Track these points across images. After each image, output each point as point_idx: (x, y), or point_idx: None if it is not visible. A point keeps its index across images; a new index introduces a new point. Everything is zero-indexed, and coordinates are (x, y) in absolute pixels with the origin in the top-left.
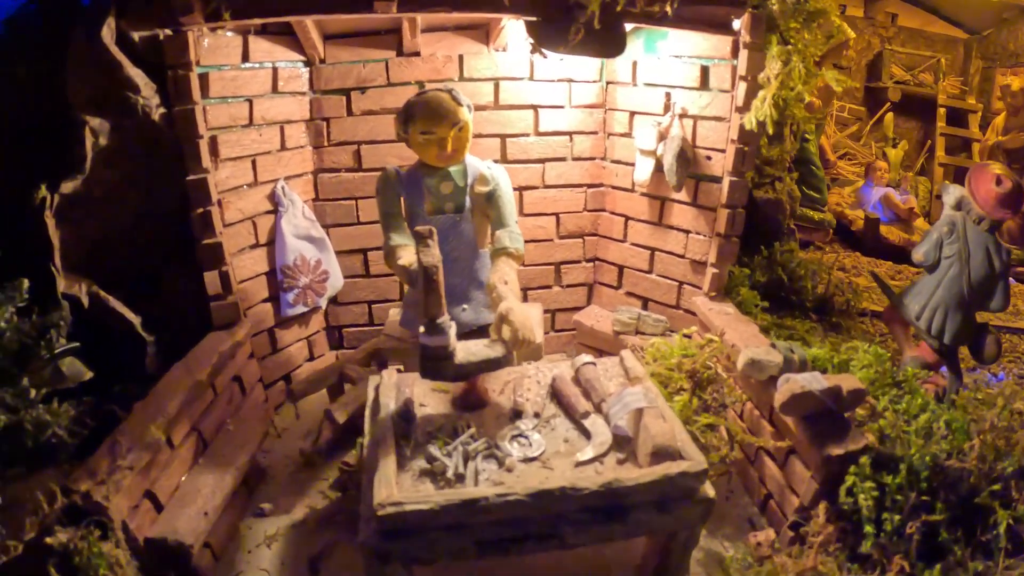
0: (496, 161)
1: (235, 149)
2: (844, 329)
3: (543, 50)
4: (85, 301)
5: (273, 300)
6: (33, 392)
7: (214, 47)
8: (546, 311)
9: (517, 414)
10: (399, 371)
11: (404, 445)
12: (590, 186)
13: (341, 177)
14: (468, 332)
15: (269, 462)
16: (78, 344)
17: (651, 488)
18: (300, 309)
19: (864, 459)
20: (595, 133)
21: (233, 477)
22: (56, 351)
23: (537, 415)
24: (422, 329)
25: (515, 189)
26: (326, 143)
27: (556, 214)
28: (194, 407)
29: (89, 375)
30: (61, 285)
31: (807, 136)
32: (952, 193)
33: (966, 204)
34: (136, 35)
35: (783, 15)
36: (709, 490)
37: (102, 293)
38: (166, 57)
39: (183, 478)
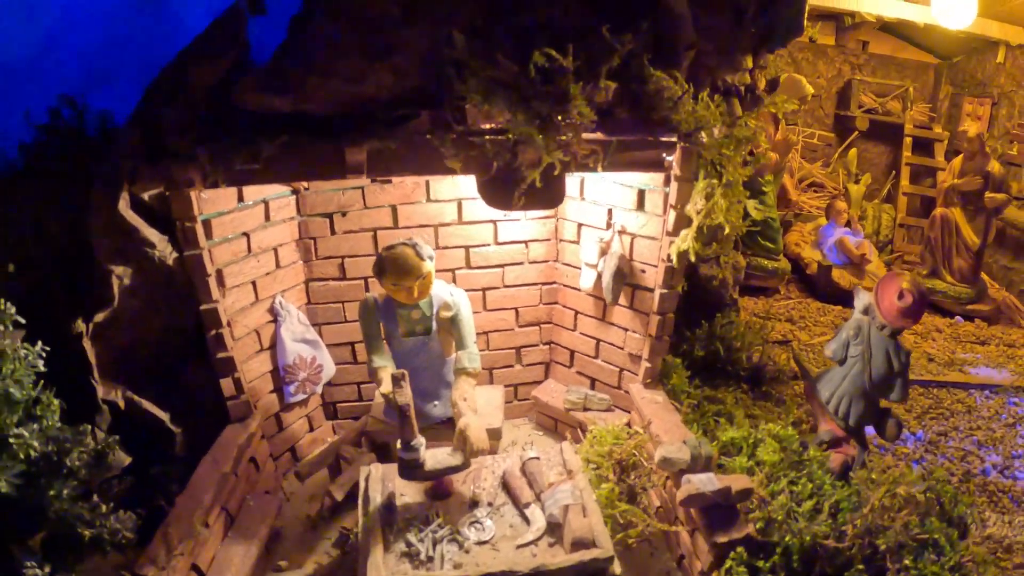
0: (461, 268)
1: (238, 278)
2: (773, 397)
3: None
4: (122, 404)
5: (278, 391)
6: (104, 507)
7: (213, 197)
8: (509, 386)
9: (475, 503)
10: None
11: (388, 531)
12: (544, 284)
13: (329, 285)
14: (439, 423)
15: (282, 523)
16: (118, 436)
17: (570, 570)
18: (300, 397)
19: (740, 548)
20: (548, 240)
21: (257, 547)
22: (101, 447)
23: (490, 504)
24: (399, 445)
25: (479, 290)
26: (314, 258)
27: (515, 308)
28: (222, 493)
29: (128, 460)
30: (100, 392)
31: (764, 189)
32: (862, 299)
33: (872, 311)
34: (146, 195)
35: (711, 148)
36: (616, 568)
37: (135, 397)
38: (173, 212)
39: (218, 549)
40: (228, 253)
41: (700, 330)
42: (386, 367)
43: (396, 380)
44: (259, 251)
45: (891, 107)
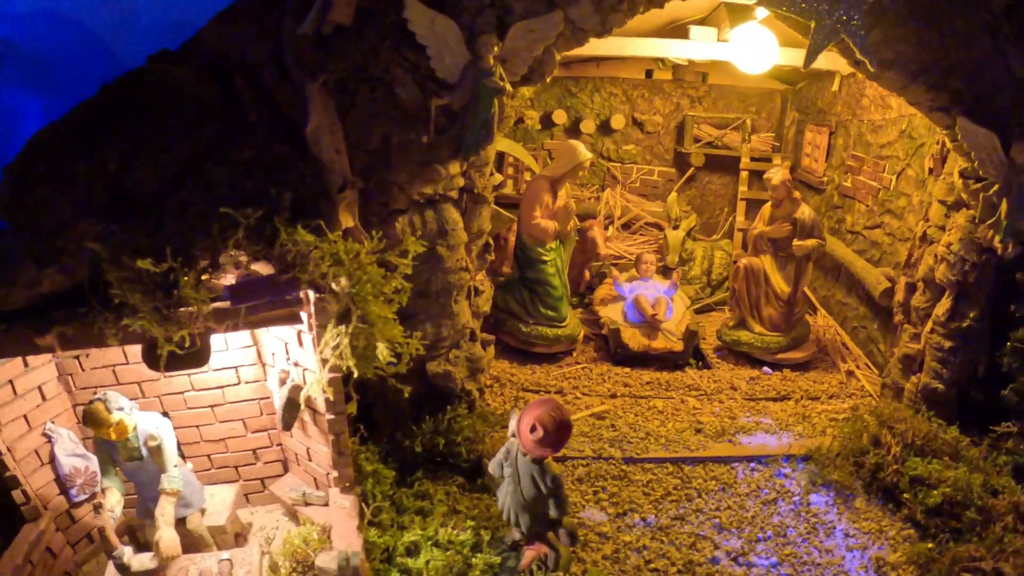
0: (188, 391)
1: (10, 416)
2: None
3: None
4: None
5: (65, 492)
6: None
7: None
8: (255, 479)
9: None
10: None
11: None
12: (262, 399)
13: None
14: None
15: None
16: None
17: None
18: (82, 497)
19: None
20: (254, 364)
21: None
22: None
23: None
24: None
25: (207, 407)
26: (75, 388)
27: (242, 419)
28: None
29: None
30: None
31: (544, 258)
32: (512, 424)
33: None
34: None
35: (342, 297)
36: None
37: None
38: None
39: None
40: None
41: (426, 425)
42: (109, 487)
43: (96, 506)
44: (24, 392)
45: (730, 139)
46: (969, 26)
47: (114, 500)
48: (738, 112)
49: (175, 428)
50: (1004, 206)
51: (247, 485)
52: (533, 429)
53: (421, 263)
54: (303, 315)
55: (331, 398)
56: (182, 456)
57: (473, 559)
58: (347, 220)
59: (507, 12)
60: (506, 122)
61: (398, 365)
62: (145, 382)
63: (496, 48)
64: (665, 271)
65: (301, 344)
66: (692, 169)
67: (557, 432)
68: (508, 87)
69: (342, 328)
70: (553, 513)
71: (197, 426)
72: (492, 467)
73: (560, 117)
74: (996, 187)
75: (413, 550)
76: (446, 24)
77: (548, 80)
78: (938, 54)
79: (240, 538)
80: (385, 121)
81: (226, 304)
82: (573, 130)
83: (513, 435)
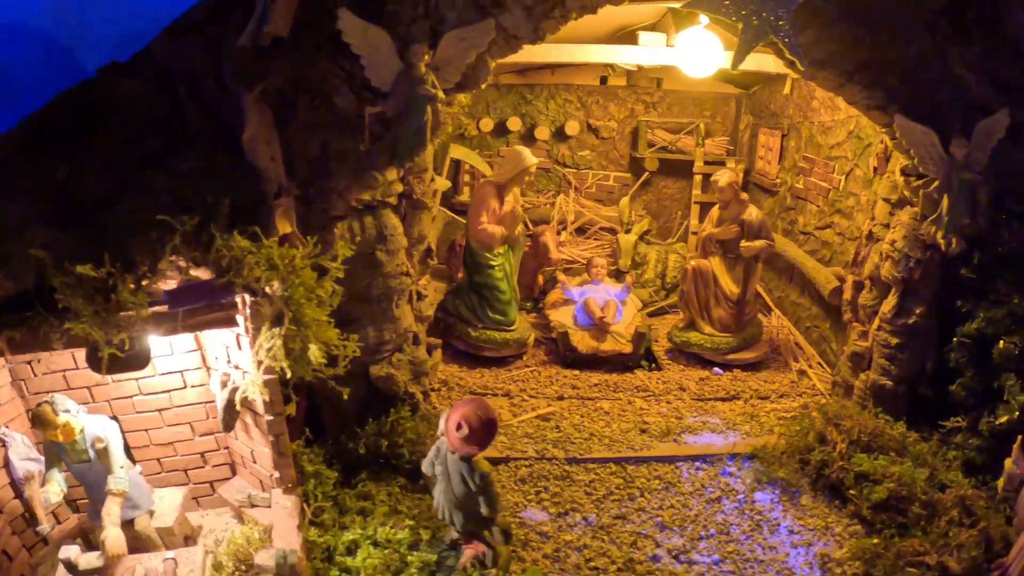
0: (136, 395)
1: None
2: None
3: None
4: None
5: (20, 497)
6: None
7: None
8: (205, 482)
9: None
10: None
11: None
12: (207, 402)
13: None
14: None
15: None
16: None
17: None
18: None
19: None
20: (199, 368)
21: None
22: None
23: None
24: None
25: (155, 411)
26: (28, 394)
27: (189, 423)
28: None
29: None
30: None
31: (491, 263)
32: (441, 423)
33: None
34: None
35: (276, 300)
36: None
37: None
38: None
39: None
40: None
41: (370, 427)
42: (51, 479)
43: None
44: None
45: (684, 143)
46: (906, 24)
47: (52, 488)
48: (693, 117)
49: (125, 432)
50: (945, 202)
51: (197, 488)
52: (459, 427)
53: (361, 268)
54: (239, 318)
55: (267, 400)
56: (132, 459)
57: (409, 556)
58: (284, 226)
59: (441, 21)
60: (443, 129)
61: (336, 367)
62: (95, 387)
63: (427, 56)
64: (618, 275)
65: (240, 347)
66: (646, 174)
67: (482, 430)
68: (441, 94)
69: (275, 330)
70: (484, 511)
71: (146, 430)
72: (424, 466)
73: (515, 124)
74: (936, 183)
75: (353, 549)
76: (378, 34)
77: (498, 87)
78: (872, 53)
79: (190, 540)
80: (324, 129)
81: (164, 308)
82: (528, 137)
83: (442, 434)
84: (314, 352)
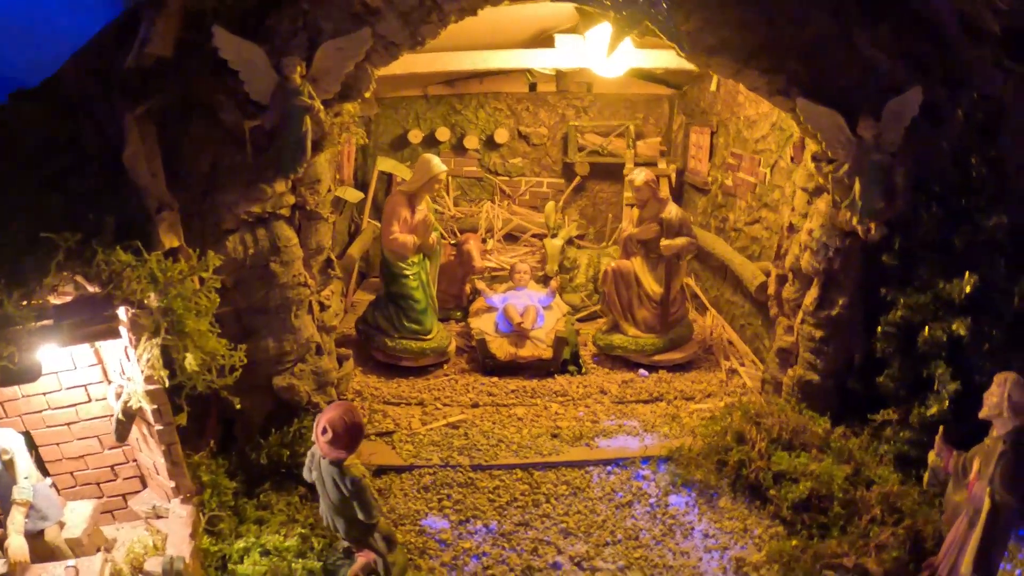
0: (47, 410)
1: None
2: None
3: None
4: None
5: None
6: None
7: None
8: (116, 495)
9: None
10: None
11: None
12: (112, 415)
13: None
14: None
15: None
16: None
17: None
18: None
19: None
20: (102, 382)
21: None
22: None
23: None
24: None
25: (64, 424)
26: None
27: (97, 436)
28: None
29: None
30: None
31: (406, 272)
32: (316, 426)
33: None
34: None
35: (156, 312)
36: None
37: None
38: None
39: None
40: None
41: (272, 437)
42: None
43: None
44: None
45: (616, 146)
46: (804, 7)
47: None
48: (625, 119)
49: (38, 446)
50: (857, 186)
51: (112, 502)
52: (324, 431)
53: (256, 279)
54: (123, 330)
55: (151, 409)
56: (45, 472)
57: (295, 564)
58: (171, 240)
59: (318, 33)
60: (329, 139)
61: (224, 377)
62: (7, 402)
63: (301, 68)
64: (545, 280)
65: (128, 358)
66: (578, 178)
67: (347, 434)
68: (318, 105)
69: (153, 340)
70: (361, 516)
71: (57, 444)
72: (304, 473)
73: (444, 135)
74: (846, 167)
75: (245, 557)
76: (252, 50)
77: (427, 99)
78: (767, 37)
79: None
80: (213, 145)
81: (50, 322)
82: (458, 147)
83: (314, 440)
84: (189, 360)
